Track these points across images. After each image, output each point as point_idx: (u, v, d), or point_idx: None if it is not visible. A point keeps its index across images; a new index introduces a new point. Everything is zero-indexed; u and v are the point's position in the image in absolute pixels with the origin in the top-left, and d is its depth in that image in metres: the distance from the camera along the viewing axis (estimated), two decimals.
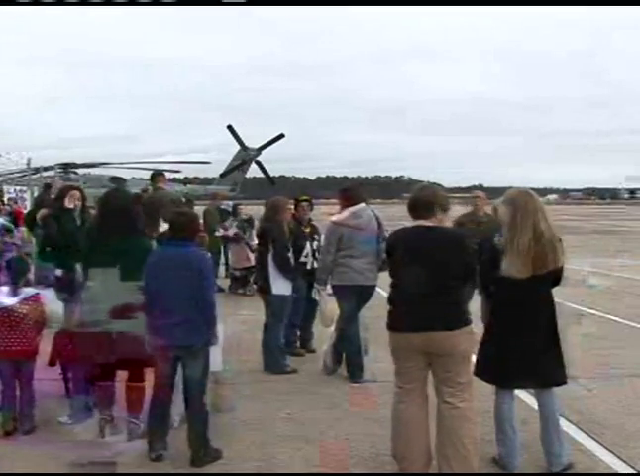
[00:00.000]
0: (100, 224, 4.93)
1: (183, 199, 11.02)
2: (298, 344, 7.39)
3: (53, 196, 7.91)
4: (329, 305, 6.45)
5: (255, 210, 14.30)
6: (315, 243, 7.41)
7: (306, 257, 7.22)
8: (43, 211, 6.90)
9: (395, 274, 4.23)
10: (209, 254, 8.79)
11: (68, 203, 6.02)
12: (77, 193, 6.11)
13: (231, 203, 15.80)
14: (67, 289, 5.50)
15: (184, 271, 4.35)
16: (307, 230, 7.50)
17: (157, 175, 9.70)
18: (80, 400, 5.01)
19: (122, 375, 4.95)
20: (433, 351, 4.01)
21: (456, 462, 3.95)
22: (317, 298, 6.74)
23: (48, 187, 12.92)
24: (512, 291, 4.13)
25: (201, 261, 4.50)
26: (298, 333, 7.39)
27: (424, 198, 4.18)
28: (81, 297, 4.85)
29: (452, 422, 3.99)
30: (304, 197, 7.83)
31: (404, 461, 4.09)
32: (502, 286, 4.16)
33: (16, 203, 17.84)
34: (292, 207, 7.36)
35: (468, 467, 3.97)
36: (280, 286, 6.61)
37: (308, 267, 7.20)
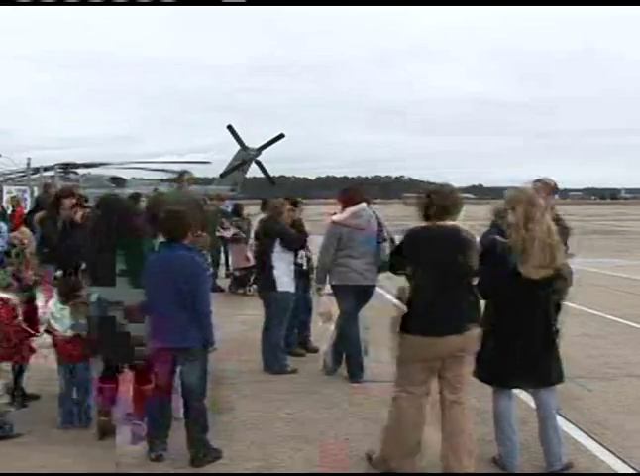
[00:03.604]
0: (102, 231, 4.92)
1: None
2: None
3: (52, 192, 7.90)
4: (327, 304, 6.47)
5: (253, 210, 14.30)
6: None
7: (302, 258, 7.25)
8: (40, 213, 6.91)
9: (423, 275, 4.05)
10: (209, 255, 8.83)
11: (77, 217, 6.01)
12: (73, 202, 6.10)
13: (228, 203, 15.77)
14: (67, 289, 5.49)
15: (174, 274, 4.33)
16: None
17: (183, 173, 10.02)
18: (80, 400, 5.00)
19: (122, 376, 4.97)
20: (463, 350, 4.03)
21: (467, 457, 4.00)
22: (312, 297, 6.82)
23: (47, 188, 12.92)
24: (513, 291, 4.12)
25: (190, 264, 4.40)
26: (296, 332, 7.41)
27: (459, 200, 4.18)
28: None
29: (461, 420, 4.06)
30: (299, 199, 7.96)
31: (393, 461, 4.11)
32: (502, 286, 4.15)
33: (19, 204, 17.71)
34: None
35: (472, 461, 4.03)
36: (285, 283, 6.65)
37: (304, 267, 7.25)
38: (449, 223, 4.08)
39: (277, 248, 6.67)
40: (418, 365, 4.06)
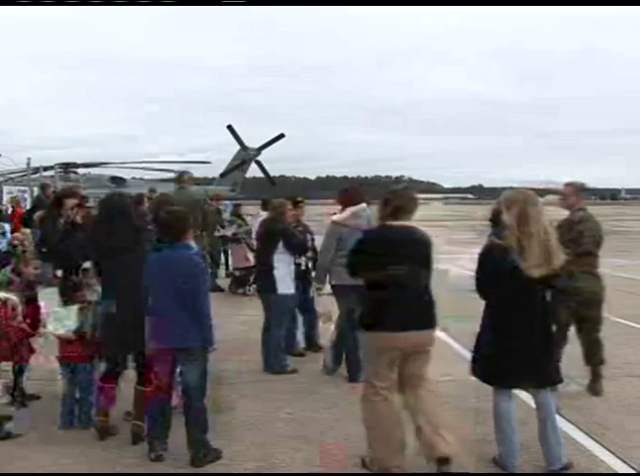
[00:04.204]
0: (104, 229, 4.92)
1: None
2: (302, 344, 7.42)
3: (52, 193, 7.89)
4: (327, 304, 6.48)
5: (253, 210, 14.29)
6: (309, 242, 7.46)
7: (298, 258, 7.24)
8: (40, 213, 6.90)
9: (391, 273, 4.13)
10: (208, 255, 8.80)
11: (78, 218, 6.02)
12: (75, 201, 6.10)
13: (229, 203, 15.76)
14: (68, 290, 5.49)
15: (173, 274, 4.33)
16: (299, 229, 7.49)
17: (183, 174, 10.00)
18: (82, 400, 5.00)
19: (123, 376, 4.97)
20: (424, 346, 4.18)
21: (448, 433, 4.08)
22: (313, 296, 6.84)
23: (45, 188, 12.94)
24: (512, 291, 4.12)
25: (190, 264, 4.40)
26: (298, 333, 7.40)
27: (416, 199, 4.32)
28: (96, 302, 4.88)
29: (431, 403, 4.21)
30: (300, 198, 7.87)
31: (386, 461, 4.14)
32: (501, 286, 4.15)
33: (19, 204, 17.68)
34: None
35: (455, 440, 4.11)
36: (285, 285, 6.65)
37: (302, 267, 7.23)
38: (407, 223, 4.22)
39: (279, 249, 6.66)
40: (385, 360, 4.16)
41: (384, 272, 4.11)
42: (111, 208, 4.93)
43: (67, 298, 5.08)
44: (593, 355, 5.87)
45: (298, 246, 6.84)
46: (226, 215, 14.28)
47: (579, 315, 5.76)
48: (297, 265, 7.12)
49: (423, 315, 4.18)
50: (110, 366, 4.88)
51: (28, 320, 5.22)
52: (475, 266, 4.33)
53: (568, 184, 5.87)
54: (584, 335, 5.87)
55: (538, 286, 4.12)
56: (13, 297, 5.10)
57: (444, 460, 4.02)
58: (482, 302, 4.34)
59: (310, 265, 7.29)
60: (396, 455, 4.15)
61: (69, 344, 4.97)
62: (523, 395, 4.82)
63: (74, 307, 4.99)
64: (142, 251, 4.62)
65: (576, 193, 5.86)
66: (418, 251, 4.22)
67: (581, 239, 5.60)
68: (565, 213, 5.85)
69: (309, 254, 7.37)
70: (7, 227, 10.27)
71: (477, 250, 4.39)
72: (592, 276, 5.77)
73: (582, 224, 5.70)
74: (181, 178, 9.83)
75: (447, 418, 4.22)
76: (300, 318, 7.43)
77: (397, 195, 4.24)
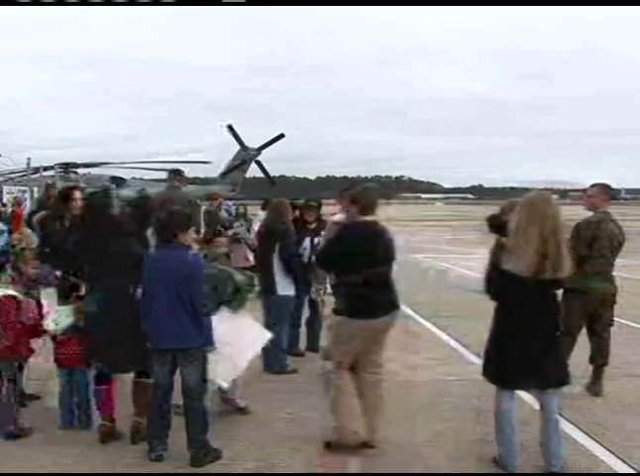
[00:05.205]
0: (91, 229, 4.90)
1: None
2: (304, 344, 7.40)
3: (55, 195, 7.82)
4: (327, 304, 6.48)
5: (253, 210, 14.28)
6: (317, 239, 7.40)
7: (304, 250, 7.19)
8: (41, 213, 6.87)
9: (372, 265, 4.45)
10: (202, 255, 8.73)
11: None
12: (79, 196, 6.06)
13: (231, 203, 15.73)
14: (66, 290, 5.48)
15: (173, 274, 4.33)
16: (312, 226, 7.43)
17: (174, 172, 9.71)
18: (80, 401, 4.99)
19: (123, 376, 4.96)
20: (390, 327, 4.61)
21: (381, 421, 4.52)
22: (314, 297, 6.83)
23: (48, 189, 12.91)
24: (518, 292, 4.11)
25: (189, 264, 4.41)
26: (300, 332, 7.40)
27: (379, 197, 4.66)
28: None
29: (379, 389, 4.64)
30: (312, 202, 7.66)
31: (352, 434, 4.40)
32: (507, 287, 4.14)
33: (19, 205, 17.65)
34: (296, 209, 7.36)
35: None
36: (285, 286, 6.63)
37: (305, 260, 7.11)
38: (372, 218, 4.53)
39: (280, 251, 6.62)
40: (358, 342, 4.51)
41: (383, 267, 4.46)
42: (97, 211, 4.89)
43: (64, 299, 5.07)
44: (601, 356, 5.88)
45: (287, 256, 6.63)
46: (224, 215, 14.26)
47: (590, 316, 5.77)
48: (300, 255, 7.03)
49: (392, 300, 4.59)
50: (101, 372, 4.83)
51: (31, 315, 5.19)
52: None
53: (594, 185, 5.84)
54: (594, 336, 5.89)
55: (545, 288, 4.12)
56: (16, 293, 5.07)
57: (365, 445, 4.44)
58: (482, 302, 4.34)
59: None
60: (357, 423, 4.42)
61: (65, 346, 4.95)
62: (524, 395, 4.82)
63: (69, 307, 4.98)
64: (130, 255, 4.59)
65: (600, 195, 5.81)
66: (390, 244, 4.63)
67: (596, 241, 5.59)
68: (587, 214, 5.83)
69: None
70: (5, 227, 10.21)
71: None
72: (605, 277, 5.78)
73: (598, 226, 5.67)
74: (174, 178, 9.54)
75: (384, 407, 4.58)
76: (303, 318, 7.41)
77: (363, 195, 4.58)
